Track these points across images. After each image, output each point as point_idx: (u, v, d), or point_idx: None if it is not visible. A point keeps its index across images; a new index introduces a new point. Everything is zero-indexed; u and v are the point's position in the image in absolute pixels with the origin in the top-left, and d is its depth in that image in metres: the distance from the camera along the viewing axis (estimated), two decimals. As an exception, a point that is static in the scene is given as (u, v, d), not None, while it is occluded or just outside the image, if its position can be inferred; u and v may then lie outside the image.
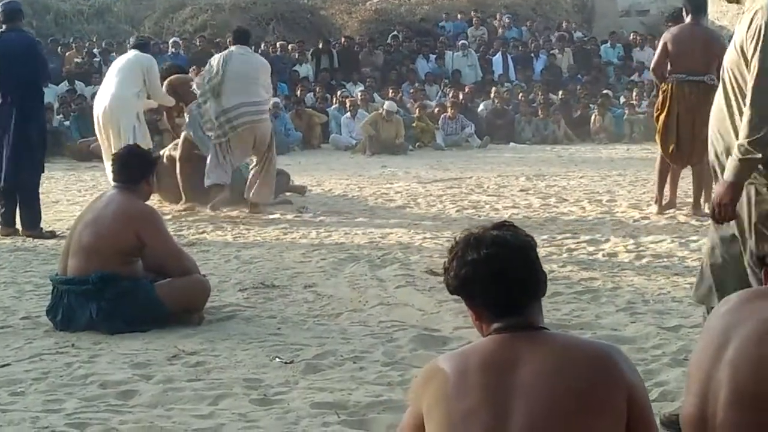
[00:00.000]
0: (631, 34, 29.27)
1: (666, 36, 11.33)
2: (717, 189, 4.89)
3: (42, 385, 5.75)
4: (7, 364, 6.15)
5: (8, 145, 10.83)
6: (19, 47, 10.89)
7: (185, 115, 12.84)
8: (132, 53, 13.07)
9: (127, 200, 7.18)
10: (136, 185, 7.28)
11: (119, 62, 13.20)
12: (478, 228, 3.30)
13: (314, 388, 5.59)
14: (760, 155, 4.65)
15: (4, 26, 11.08)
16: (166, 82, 13.20)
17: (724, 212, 4.82)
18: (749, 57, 4.69)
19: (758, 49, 4.65)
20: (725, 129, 4.88)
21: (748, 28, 4.73)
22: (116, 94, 12.59)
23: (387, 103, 22.17)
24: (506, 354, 3.09)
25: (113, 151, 11.04)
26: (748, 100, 4.68)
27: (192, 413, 5.23)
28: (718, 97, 4.96)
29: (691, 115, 10.90)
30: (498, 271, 3.16)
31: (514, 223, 3.33)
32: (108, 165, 10.84)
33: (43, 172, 11.38)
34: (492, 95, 24.54)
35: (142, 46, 13.45)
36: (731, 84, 4.84)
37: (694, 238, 10.00)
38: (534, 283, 3.22)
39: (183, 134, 12.46)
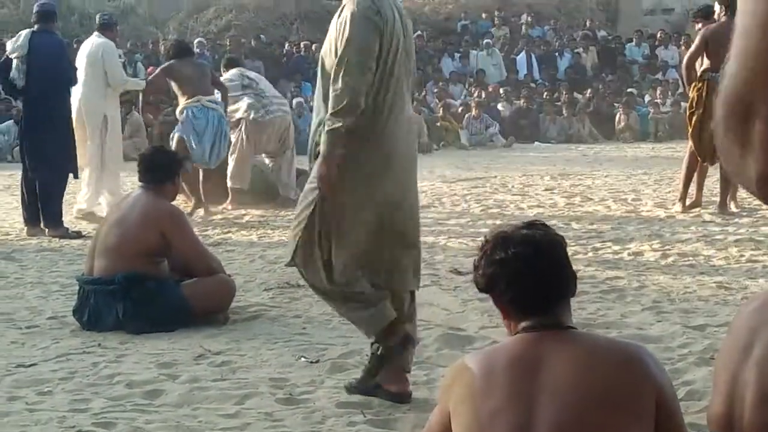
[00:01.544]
0: (657, 33, 29.18)
1: (705, 33, 11.25)
2: (318, 165, 5.17)
3: (69, 384, 5.77)
4: (34, 364, 6.18)
5: (30, 144, 10.91)
6: (50, 48, 11.00)
7: (177, 114, 12.56)
8: (93, 40, 12.30)
9: (153, 201, 7.21)
10: (161, 186, 7.31)
11: (84, 50, 12.42)
12: (509, 226, 3.30)
13: (340, 387, 5.59)
14: (340, 124, 5.06)
15: (36, 26, 11.16)
16: (161, 68, 12.99)
17: (326, 186, 5.12)
18: (338, 44, 5.14)
19: (345, 39, 5.10)
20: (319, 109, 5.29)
21: (339, 16, 5.23)
22: (84, 94, 11.96)
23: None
24: (533, 353, 3.09)
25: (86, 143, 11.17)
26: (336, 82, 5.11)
27: (218, 413, 5.24)
28: (319, 83, 5.36)
29: (726, 113, 10.89)
30: (525, 270, 3.16)
31: (545, 222, 3.33)
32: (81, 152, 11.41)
33: (76, 176, 11.45)
34: (502, 94, 24.50)
35: (104, 26, 12.56)
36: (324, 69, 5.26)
37: (720, 236, 9.96)
38: (562, 283, 3.21)
39: (176, 137, 12.25)
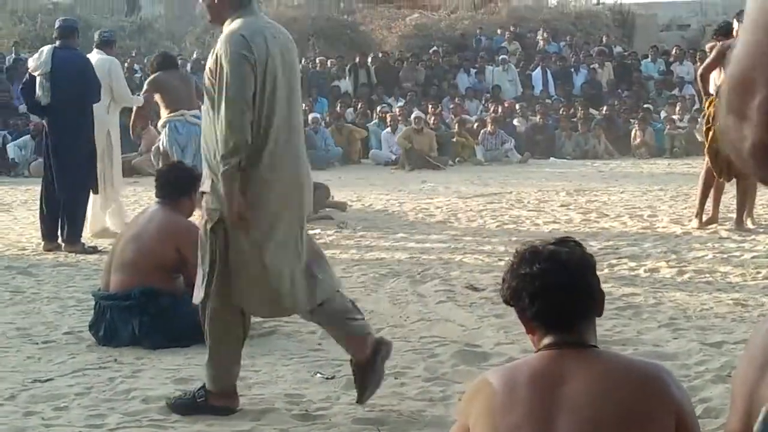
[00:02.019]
0: (672, 48, 29.15)
1: (722, 47, 11.23)
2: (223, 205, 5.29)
3: (85, 400, 5.78)
4: (51, 379, 6.19)
5: (57, 161, 10.95)
6: (74, 65, 11.02)
7: (159, 126, 12.36)
8: (95, 57, 11.98)
9: (169, 216, 7.23)
10: (177, 201, 7.33)
11: None
12: (541, 241, 3.29)
13: (356, 404, 5.59)
14: (230, 165, 5.18)
15: (58, 42, 11.20)
16: (148, 82, 12.92)
17: (235, 220, 5.23)
18: (213, 78, 5.27)
19: (222, 77, 5.20)
20: (211, 137, 5.33)
21: (213, 51, 5.38)
22: None
23: (414, 113, 22.30)
24: (554, 370, 3.09)
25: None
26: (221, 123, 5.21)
27: (234, 428, 5.24)
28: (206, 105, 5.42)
29: (743, 129, 10.91)
30: (549, 287, 3.16)
31: (576, 240, 3.32)
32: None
33: (96, 192, 11.48)
34: (518, 109, 24.53)
35: (104, 44, 12.34)
36: (210, 98, 5.34)
37: (737, 253, 9.94)
38: (587, 301, 3.20)
39: (159, 147, 12.09)
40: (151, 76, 12.30)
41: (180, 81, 12.17)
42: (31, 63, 11.46)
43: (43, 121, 11.41)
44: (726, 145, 1.63)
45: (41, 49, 11.54)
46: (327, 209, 13.43)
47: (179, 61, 14.29)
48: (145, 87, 12.57)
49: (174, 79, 12.07)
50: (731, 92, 1.57)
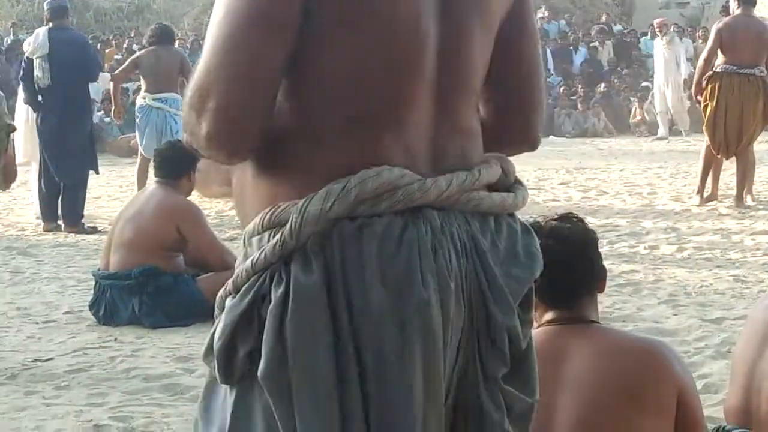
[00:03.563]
0: (672, 26, 29.07)
1: (719, 26, 11.31)
2: None
3: (85, 379, 5.79)
4: (51, 359, 6.20)
5: (57, 142, 10.93)
6: (71, 44, 10.99)
7: (136, 108, 12.38)
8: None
9: (168, 195, 7.23)
10: (177, 180, 7.32)
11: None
12: (541, 217, 3.28)
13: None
14: None
15: (51, 24, 11.15)
16: (131, 58, 12.83)
17: None
18: None
19: None
20: None
21: None
22: None
23: None
24: (555, 346, 3.08)
25: None
26: None
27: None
28: None
29: (740, 106, 11.00)
30: (550, 263, 3.15)
31: (578, 216, 3.31)
32: None
33: (97, 172, 11.48)
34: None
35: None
36: None
37: (736, 229, 9.94)
38: (587, 278, 3.19)
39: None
40: (134, 55, 12.23)
41: (166, 58, 11.99)
42: (27, 47, 11.40)
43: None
44: (186, 133, 2.15)
45: (36, 31, 11.49)
46: None
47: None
48: (125, 64, 12.54)
49: (159, 56, 11.96)
50: (194, 94, 2.07)
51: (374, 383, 2.03)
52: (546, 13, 30.05)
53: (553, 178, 14.82)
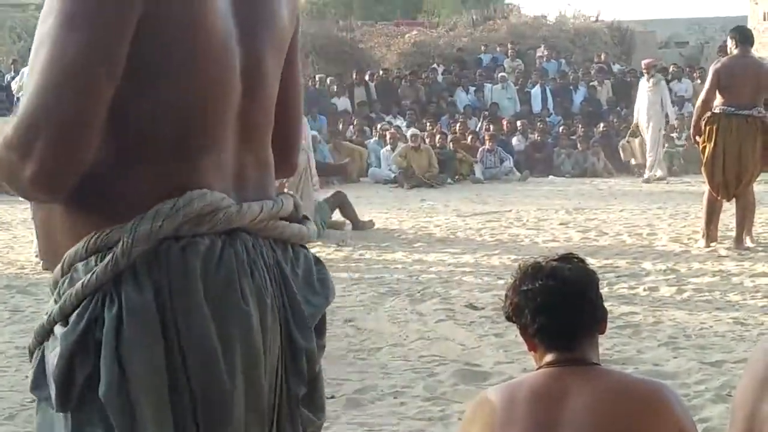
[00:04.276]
0: (670, 66, 29.19)
1: (716, 67, 11.36)
2: None
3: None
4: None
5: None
6: None
7: None
8: None
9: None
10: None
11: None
12: (544, 258, 3.29)
13: (355, 423, 5.59)
14: None
15: None
16: None
17: None
18: None
19: None
20: None
21: None
22: None
23: (410, 130, 22.35)
24: (555, 387, 3.08)
25: None
26: None
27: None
28: None
29: (738, 147, 11.02)
30: (551, 304, 3.15)
31: (580, 257, 3.31)
32: None
33: None
34: (519, 127, 24.55)
35: None
36: None
37: (736, 271, 9.94)
38: (588, 319, 3.19)
39: None
40: None
41: None
42: (15, 86, 11.45)
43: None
44: (5, 176, 2.18)
45: (22, 70, 11.54)
46: (347, 225, 13.63)
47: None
48: None
49: None
50: (20, 135, 2.10)
51: (200, 391, 2.18)
52: (545, 52, 30.17)
53: (552, 218, 14.83)
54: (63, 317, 2.22)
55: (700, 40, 35.81)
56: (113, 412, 2.14)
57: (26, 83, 2.20)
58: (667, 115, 21.47)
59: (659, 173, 21.14)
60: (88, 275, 2.18)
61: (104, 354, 2.14)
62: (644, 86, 20.94)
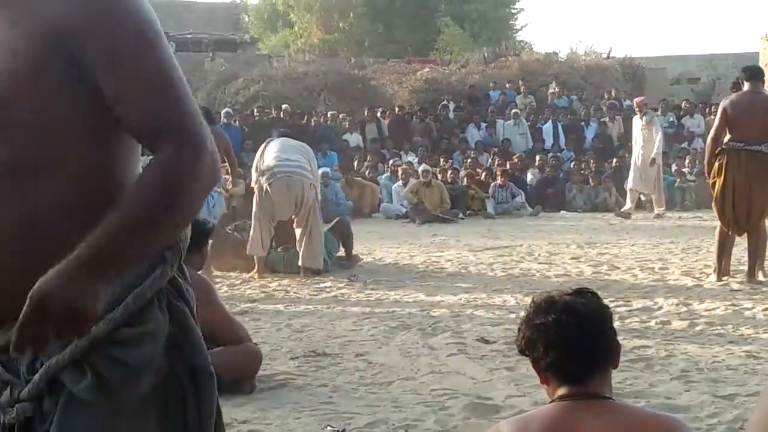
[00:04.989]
0: (682, 102, 29.23)
1: (725, 103, 11.39)
2: None
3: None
4: None
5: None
6: None
7: None
8: None
9: (180, 269, 7.23)
10: (189, 254, 7.32)
11: None
12: (558, 292, 3.28)
13: (366, 456, 5.57)
14: None
15: None
16: None
17: None
18: None
19: None
20: None
21: None
22: None
23: (422, 166, 22.39)
24: (567, 421, 3.07)
25: None
26: None
27: (244, 482, 5.22)
28: None
29: (748, 183, 11.01)
30: (563, 338, 3.14)
31: (593, 291, 3.30)
32: None
33: None
34: (537, 162, 24.60)
35: None
36: None
37: (748, 305, 9.91)
38: (601, 353, 3.18)
39: None
40: None
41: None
42: None
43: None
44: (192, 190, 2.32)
45: None
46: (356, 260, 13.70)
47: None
48: None
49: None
50: (194, 137, 2.29)
51: None
52: (556, 89, 30.24)
53: (564, 252, 14.82)
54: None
55: (711, 77, 35.85)
56: None
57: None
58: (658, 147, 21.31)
59: (657, 210, 21.03)
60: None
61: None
62: (638, 124, 20.84)
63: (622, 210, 21.08)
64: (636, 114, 21.19)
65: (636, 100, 22.13)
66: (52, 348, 2.27)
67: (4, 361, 2.39)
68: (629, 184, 21.20)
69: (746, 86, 11.42)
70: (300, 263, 12.57)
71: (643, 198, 22.22)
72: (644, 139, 20.45)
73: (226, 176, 15.27)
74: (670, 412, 5.12)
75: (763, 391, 3.69)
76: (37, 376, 2.35)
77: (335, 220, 14.23)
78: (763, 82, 11.75)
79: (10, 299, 2.24)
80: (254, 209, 12.68)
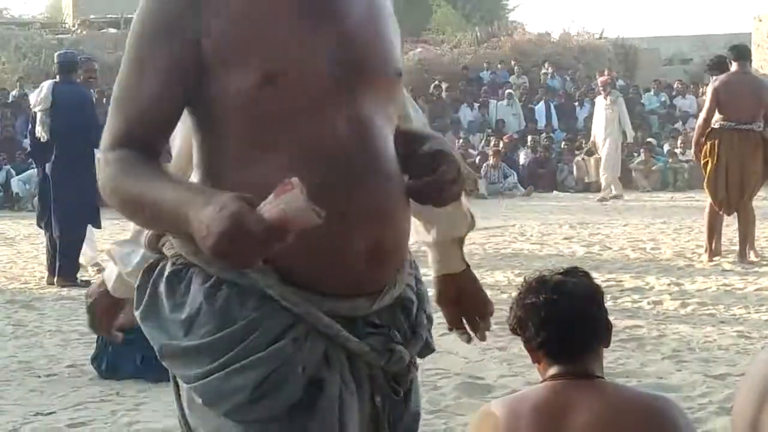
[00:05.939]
0: (675, 83, 29.22)
1: (715, 84, 11.38)
2: None
3: (87, 432, 5.77)
4: (53, 412, 6.18)
5: (54, 198, 10.93)
6: (72, 99, 10.95)
7: None
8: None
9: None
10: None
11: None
12: (549, 271, 3.27)
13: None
14: None
15: (58, 77, 11.19)
16: None
17: None
18: None
19: None
20: None
21: None
22: None
23: None
24: (559, 401, 3.06)
25: None
26: None
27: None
28: None
29: (740, 162, 11.04)
30: (555, 317, 3.13)
31: (584, 270, 3.30)
32: None
33: (99, 227, 11.42)
34: (529, 143, 24.59)
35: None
36: None
37: (740, 285, 9.93)
38: (592, 332, 3.17)
39: None
40: None
41: None
42: (32, 99, 11.45)
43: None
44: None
45: (41, 84, 11.54)
46: None
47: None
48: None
49: None
50: None
51: None
52: (550, 69, 30.20)
53: (556, 233, 14.83)
54: None
55: (704, 57, 35.75)
56: None
57: None
58: (624, 133, 21.16)
59: (614, 191, 20.83)
60: None
61: None
62: (601, 104, 20.58)
63: (611, 195, 20.92)
64: (600, 94, 20.92)
65: (600, 78, 21.96)
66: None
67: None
68: (602, 171, 21.02)
69: (734, 66, 11.42)
70: None
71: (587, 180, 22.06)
72: (607, 119, 20.20)
73: None
74: (662, 392, 5.12)
75: (748, 369, 3.69)
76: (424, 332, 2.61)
77: None
78: (751, 61, 11.76)
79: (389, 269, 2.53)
80: None
